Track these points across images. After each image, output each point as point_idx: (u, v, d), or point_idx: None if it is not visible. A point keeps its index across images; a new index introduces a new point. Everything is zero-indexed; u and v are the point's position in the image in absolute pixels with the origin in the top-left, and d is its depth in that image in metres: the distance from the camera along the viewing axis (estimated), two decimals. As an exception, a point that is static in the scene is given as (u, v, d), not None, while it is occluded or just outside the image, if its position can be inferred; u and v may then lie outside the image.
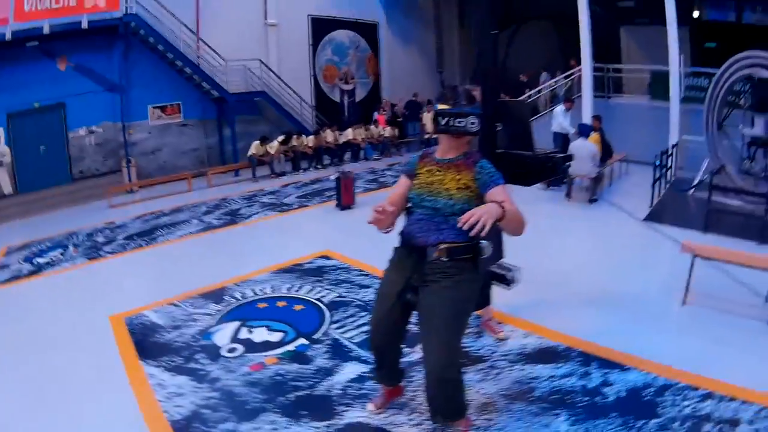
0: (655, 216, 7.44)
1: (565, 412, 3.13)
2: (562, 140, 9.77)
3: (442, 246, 2.52)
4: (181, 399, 3.50)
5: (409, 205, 2.69)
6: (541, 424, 3.03)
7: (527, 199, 8.98)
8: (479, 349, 3.92)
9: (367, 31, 17.96)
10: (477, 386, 3.40)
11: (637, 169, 10.13)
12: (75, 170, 12.70)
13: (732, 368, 3.43)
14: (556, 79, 14.38)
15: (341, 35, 17.44)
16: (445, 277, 2.53)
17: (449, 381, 2.56)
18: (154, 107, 13.78)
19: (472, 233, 2.21)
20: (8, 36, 10.73)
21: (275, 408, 3.33)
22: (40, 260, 7.45)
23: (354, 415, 3.20)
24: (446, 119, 2.49)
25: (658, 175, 8.15)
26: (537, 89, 14.68)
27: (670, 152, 9.27)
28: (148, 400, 3.53)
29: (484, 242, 2.54)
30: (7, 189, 11.57)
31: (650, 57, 11.79)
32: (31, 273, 6.88)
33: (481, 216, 2.20)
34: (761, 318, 4.18)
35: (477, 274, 2.65)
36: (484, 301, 2.66)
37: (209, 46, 13.83)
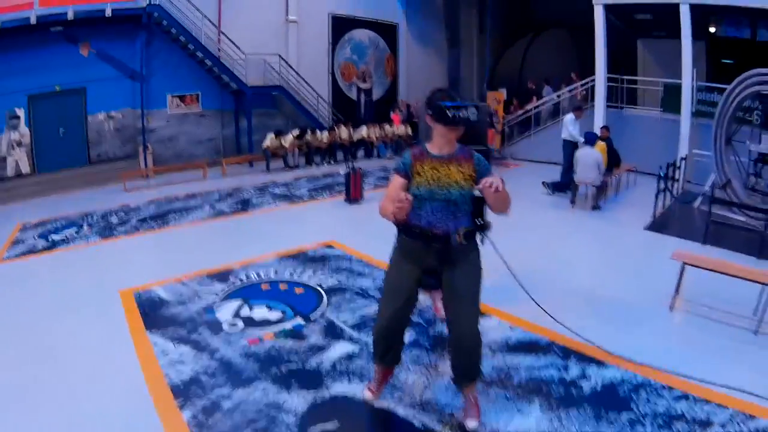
0: (656, 226, 7.56)
1: (539, 399, 3.28)
2: (572, 148, 9.87)
3: (461, 231, 2.84)
4: (182, 366, 3.76)
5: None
6: (515, 409, 3.19)
7: (531, 204, 9.14)
8: (465, 338, 4.10)
9: (387, 31, 18.21)
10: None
11: (645, 181, 10.20)
12: (93, 153, 13.02)
13: (711, 373, 3.49)
14: (559, 92, 14.55)
15: (361, 34, 17.69)
16: (466, 257, 2.93)
17: (478, 345, 2.96)
18: (173, 96, 14.12)
19: (497, 191, 2.59)
20: (33, 20, 11.05)
21: (268, 377, 3.57)
22: (55, 237, 7.73)
23: (339, 388, 3.43)
24: (452, 112, 2.70)
25: (663, 186, 8.24)
26: (541, 101, 14.82)
27: (678, 165, 9.35)
28: (151, 366, 3.78)
29: (488, 220, 2.98)
30: (26, 169, 11.92)
31: (666, 70, 11.88)
32: (46, 248, 7.16)
33: (496, 179, 2.60)
34: (748, 328, 4.26)
35: (479, 251, 3.03)
36: (437, 283, 2.98)
37: (230, 40, 14.14)
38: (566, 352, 3.86)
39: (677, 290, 4.71)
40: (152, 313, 4.72)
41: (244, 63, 14.35)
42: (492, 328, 4.28)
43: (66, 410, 3.31)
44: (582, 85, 13.77)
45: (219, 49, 14.12)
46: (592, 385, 3.43)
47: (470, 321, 2.90)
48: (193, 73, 14.11)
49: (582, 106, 10.98)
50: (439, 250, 2.85)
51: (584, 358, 3.76)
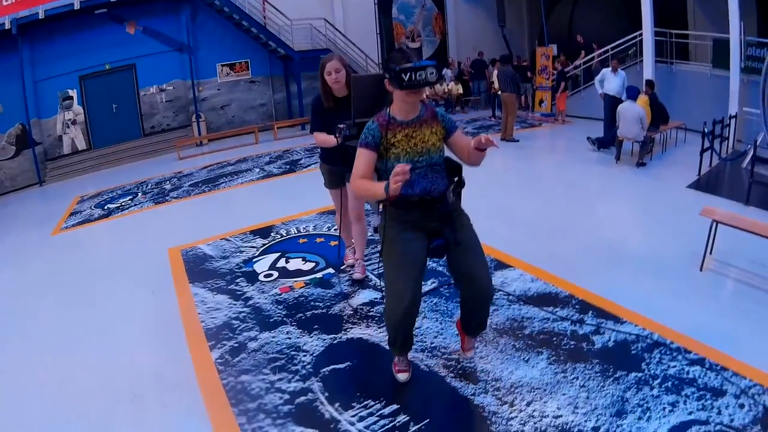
0: (699, 185, 7.32)
1: (548, 351, 3.28)
2: (611, 102, 9.63)
3: (451, 188, 2.84)
4: (217, 312, 4.15)
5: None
6: (521, 359, 3.23)
7: (576, 160, 9.08)
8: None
9: (434, -11, 17.94)
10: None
11: (695, 139, 9.71)
12: (146, 126, 13.66)
13: (734, 339, 3.33)
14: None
15: (408, -6, 17.48)
16: (460, 213, 2.92)
17: (492, 294, 2.98)
18: (222, 65, 14.54)
19: (492, 146, 2.57)
20: (76, 5, 11.57)
21: (293, 322, 3.91)
22: (111, 206, 8.34)
23: (357, 331, 3.71)
24: (409, 75, 2.50)
25: (708, 144, 7.92)
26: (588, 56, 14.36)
27: (726, 123, 8.97)
28: (189, 313, 4.20)
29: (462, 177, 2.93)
30: (81, 145, 12.68)
31: (717, 24, 11.14)
32: (102, 217, 7.76)
33: (488, 138, 2.56)
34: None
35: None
36: (445, 244, 3.00)
37: (274, 7, 14.35)
38: (584, 307, 3.82)
39: (707, 249, 4.55)
40: (196, 267, 5.15)
41: (290, 29, 14.58)
42: (513, 280, 4.36)
43: (108, 348, 3.78)
44: (601, 53, 13.34)
45: (264, 17, 14.37)
46: (605, 340, 3.36)
47: (487, 270, 2.87)
48: (241, 41, 14.46)
49: (618, 57, 10.62)
50: (440, 211, 2.80)
51: (602, 314, 3.71)
